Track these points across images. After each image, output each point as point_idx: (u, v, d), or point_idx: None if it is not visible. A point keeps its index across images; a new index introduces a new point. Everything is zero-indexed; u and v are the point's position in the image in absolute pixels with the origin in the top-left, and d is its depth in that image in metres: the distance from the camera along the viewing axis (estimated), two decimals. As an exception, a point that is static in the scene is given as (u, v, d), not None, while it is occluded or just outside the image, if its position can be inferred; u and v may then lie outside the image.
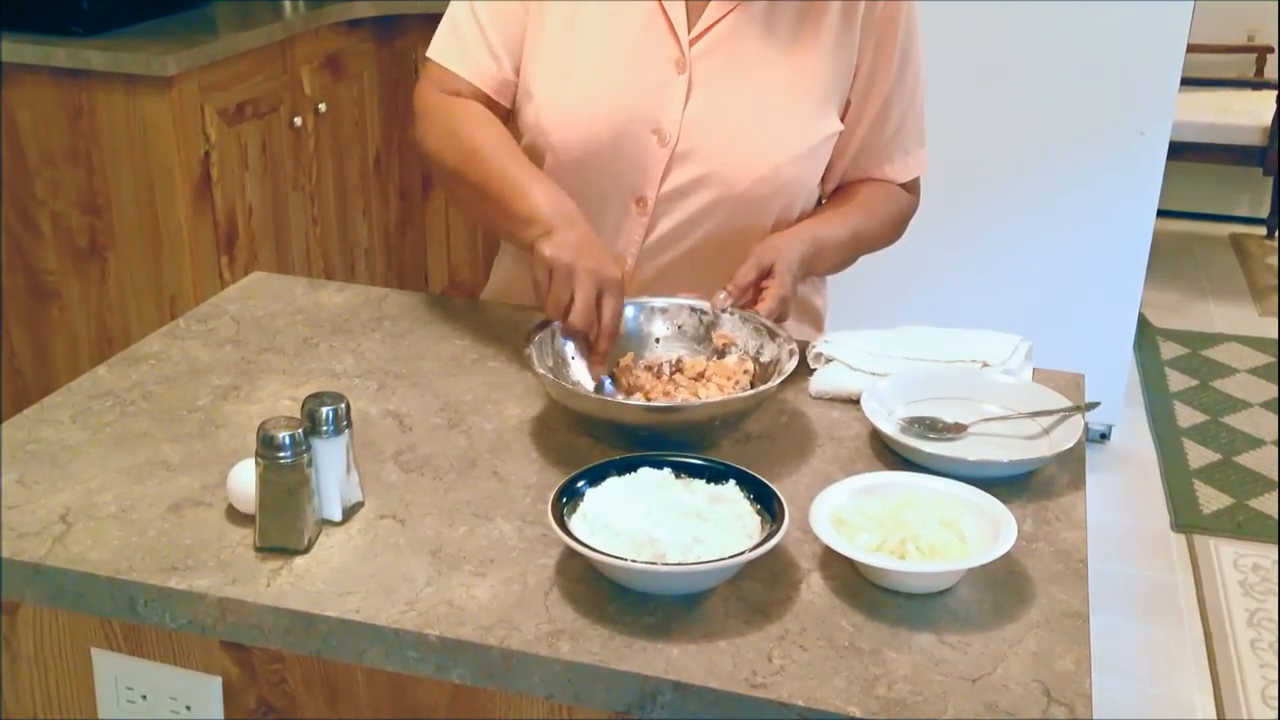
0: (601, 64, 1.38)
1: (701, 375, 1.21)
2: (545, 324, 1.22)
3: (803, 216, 1.43)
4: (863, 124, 1.44)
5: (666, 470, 1.02)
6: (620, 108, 1.36)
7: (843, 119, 1.42)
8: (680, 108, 1.36)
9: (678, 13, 1.36)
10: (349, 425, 1.01)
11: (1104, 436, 3.17)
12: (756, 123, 1.37)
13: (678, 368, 1.24)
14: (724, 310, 1.26)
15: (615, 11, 1.38)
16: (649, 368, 1.24)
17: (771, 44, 1.37)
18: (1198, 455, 3.13)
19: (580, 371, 1.23)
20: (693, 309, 1.28)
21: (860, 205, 1.46)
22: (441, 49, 1.44)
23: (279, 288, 1.51)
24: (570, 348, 1.23)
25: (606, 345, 1.22)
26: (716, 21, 1.36)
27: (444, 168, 1.39)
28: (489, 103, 1.42)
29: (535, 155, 1.39)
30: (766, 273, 1.28)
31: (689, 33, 1.37)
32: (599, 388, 1.22)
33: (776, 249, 1.30)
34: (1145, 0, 2.76)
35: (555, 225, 1.23)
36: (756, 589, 0.96)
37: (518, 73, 1.42)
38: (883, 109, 1.44)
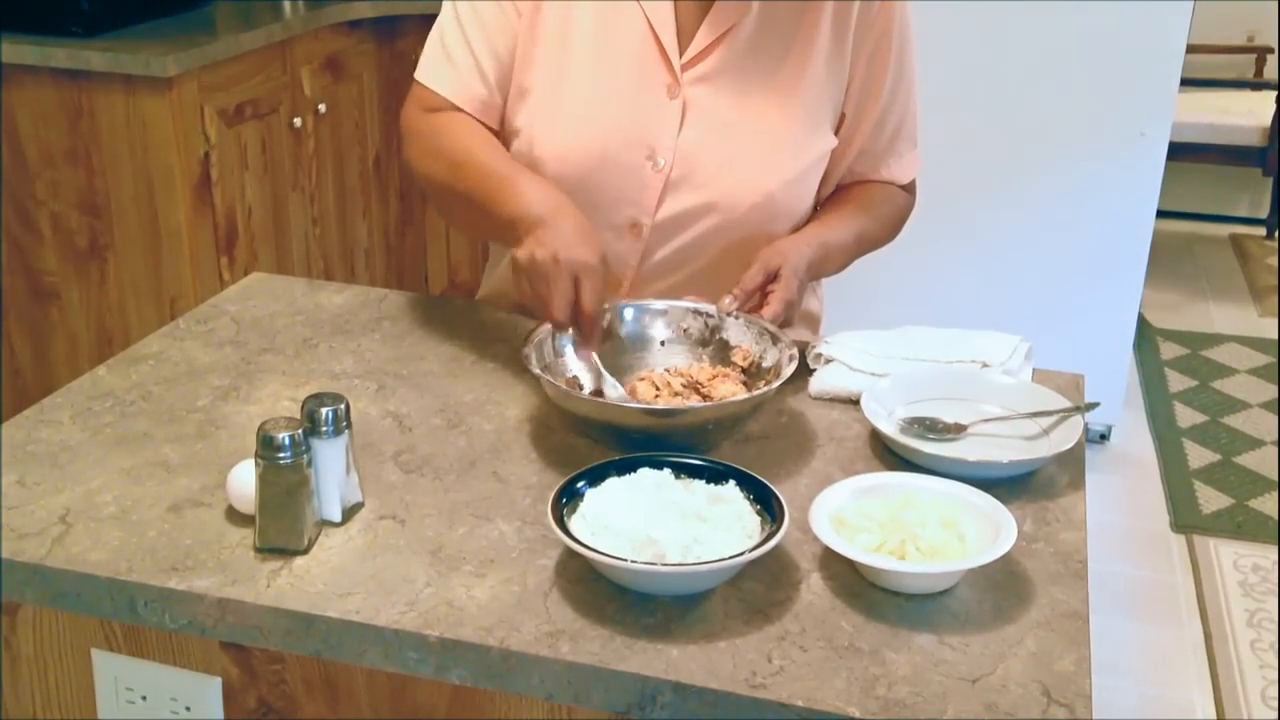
0: (594, 91, 1.36)
1: (713, 378, 1.21)
2: (543, 325, 1.22)
3: (797, 227, 1.42)
4: (860, 133, 1.44)
5: (666, 471, 1.02)
6: (614, 133, 1.35)
7: (837, 131, 1.42)
8: (675, 133, 1.35)
9: (669, 38, 1.35)
10: (349, 426, 1.01)
11: (1104, 437, 3.17)
12: (751, 149, 1.36)
13: (695, 382, 1.22)
14: (729, 315, 1.26)
15: (607, 38, 1.36)
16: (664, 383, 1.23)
17: (764, 67, 1.36)
18: (1198, 456, 3.13)
19: (578, 370, 1.22)
20: (697, 312, 1.27)
21: (862, 206, 1.46)
22: (429, 71, 1.41)
23: (279, 288, 1.51)
24: (570, 348, 1.22)
25: (590, 329, 1.19)
26: (708, 46, 1.35)
27: (433, 183, 1.37)
28: None
29: None
30: (773, 277, 1.28)
31: (680, 57, 1.36)
32: (597, 379, 1.20)
33: (783, 253, 1.30)
34: (1145, 0, 2.76)
35: (539, 220, 1.19)
36: (756, 589, 0.96)
37: (505, 95, 1.40)
38: (880, 117, 1.43)
